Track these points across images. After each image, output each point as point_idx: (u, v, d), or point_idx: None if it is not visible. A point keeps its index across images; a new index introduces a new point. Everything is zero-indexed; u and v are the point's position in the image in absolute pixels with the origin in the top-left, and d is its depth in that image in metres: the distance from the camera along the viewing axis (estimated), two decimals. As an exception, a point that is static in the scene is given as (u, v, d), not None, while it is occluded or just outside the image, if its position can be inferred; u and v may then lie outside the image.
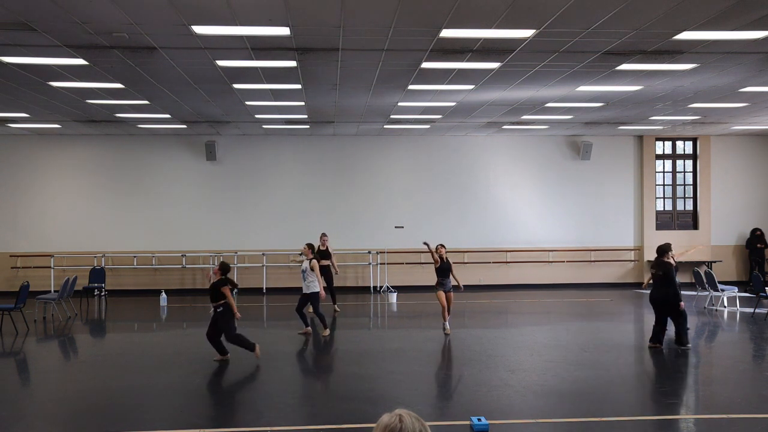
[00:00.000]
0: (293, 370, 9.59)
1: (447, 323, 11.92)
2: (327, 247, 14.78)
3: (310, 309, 12.24)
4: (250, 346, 9.98)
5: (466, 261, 19.11)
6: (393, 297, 16.88)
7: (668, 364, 10.31)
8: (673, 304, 10.46)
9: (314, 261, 11.96)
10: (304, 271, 12.04)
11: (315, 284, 11.90)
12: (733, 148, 19.75)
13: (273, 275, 18.59)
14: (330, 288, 14.87)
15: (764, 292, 13.78)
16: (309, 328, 12.16)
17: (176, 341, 11.91)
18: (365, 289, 18.62)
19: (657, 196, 19.80)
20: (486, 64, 10.26)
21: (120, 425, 7.27)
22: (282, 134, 18.62)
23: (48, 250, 18.27)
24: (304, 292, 12.04)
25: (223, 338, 10.00)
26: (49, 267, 17.99)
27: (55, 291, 16.58)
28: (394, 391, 8.69)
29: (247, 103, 13.55)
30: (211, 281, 10.23)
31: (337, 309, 14.84)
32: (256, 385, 9.18)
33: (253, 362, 10.53)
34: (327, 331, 12.04)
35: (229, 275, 10.10)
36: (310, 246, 12.25)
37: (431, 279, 18.35)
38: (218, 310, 9.94)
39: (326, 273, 14.69)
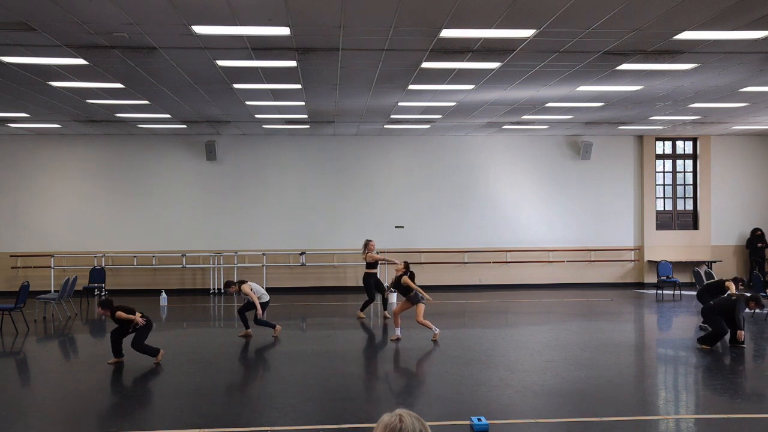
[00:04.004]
0: (293, 370, 9.59)
1: (397, 329, 11.71)
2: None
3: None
4: (154, 353, 9.95)
5: (466, 261, 19.12)
6: (393, 297, 16.88)
7: (668, 364, 10.32)
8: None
9: (244, 286, 11.89)
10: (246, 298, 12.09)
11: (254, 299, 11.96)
12: (733, 148, 19.75)
13: (273, 275, 18.58)
14: (381, 290, 14.55)
15: (764, 292, 13.79)
16: (250, 330, 12.12)
17: (176, 341, 11.91)
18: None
19: (657, 196, 19.80)
20: (486, 64, 10.25)
21: (120, 425, 7.28)
22: (282, 134, 18.62)
23: (48, 250, 18.27)
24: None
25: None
26: (49, 267, 17.99)
27: (55, 291, 16.58)
28: (394, 391, 8.69)
29: (247, 103, 13.55)
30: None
31: (362, 316, 14.42)
32: (256, 385, 9.18)
33: (253, 363, 10.54)
34: (278, 328, 12.01)
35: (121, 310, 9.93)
36: (238, 283, 12.08)
37: (431, 279, 18.45)
38: (136, 326, 9.89)
39: (375, 279, 14.40)
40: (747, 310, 11.04)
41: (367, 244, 14.61)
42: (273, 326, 12.01)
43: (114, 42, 8.79)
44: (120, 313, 9.83)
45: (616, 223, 19.55)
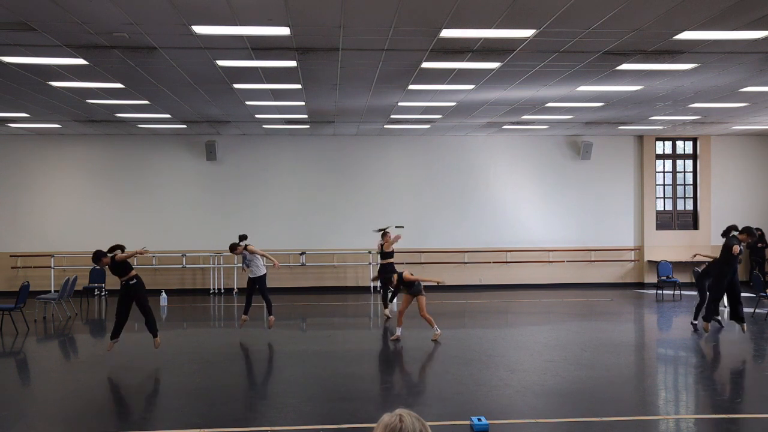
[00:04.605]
0: (293, 369, 9.59)
1: (398, 329, 11.65)
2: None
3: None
4: (154, 332, 9.97)
5: (466, 261, 19.12)
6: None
7: (668, 364, 10.32)
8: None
9: (250, 246, 11.91)
10: (245, 260, 12.01)
11: (259, 268, 11.95)
12: (733, 148, 19.75)
13: (273, 275, 18.55)
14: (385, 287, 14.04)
15: (764, 292, 13.78)
16: (246, 316, 12.17)
17: (176, 341, 11.91)
18: (365, 289, 18.62)
19: (657, 196, 19.80)
20: (486, 64, 10.25)
21: (120, 425, 7.28)
22: (282, 134, 18.62)
23: (48, 250, 18.27)
24: (250, 277, 12.04)
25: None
26: (49, 267, 17.99)
27: (55, 291, 16.58)
28: (394, 391, 8.70)
29: (247, 103, 13.55)
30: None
31: (389, 316, 13.71)
32: (256, 385, 9.18)
33: (253, 363, 10.54)
34: (272, 318, 12.03)
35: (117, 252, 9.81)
36: (241, 238, 12.09)
37: (431, 278, 18.39)
38: (132, 282, 9.82)
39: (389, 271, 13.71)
40: (741, 244, 11.02)
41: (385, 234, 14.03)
42: (271, 311, 12.05)
43: (114, 42, 8.79)
44: (119, 254, 9.78)
45: (616, 223, 19.55)
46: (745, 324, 10.93)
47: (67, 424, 7.43)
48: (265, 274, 12.11)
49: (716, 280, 10.96)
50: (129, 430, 7.05)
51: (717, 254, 19.29)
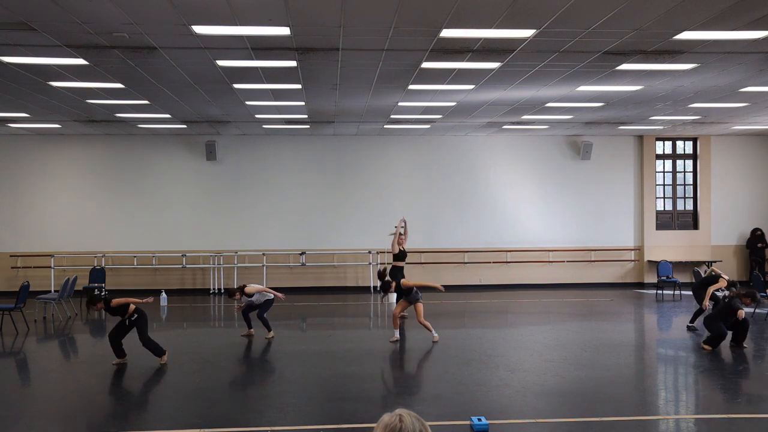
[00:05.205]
0: (293, 370, 9.60)
1: (396, 331, 11.53)
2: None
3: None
4: (159, 352, 9.88)
5: (466, 261, 19.12)
6: (393, 297, 16.87)
7: (668, 364, 10.32)
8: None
9: (247, 288, 11.67)
10: (252, 300, 11.83)
11: (266, 295, 11.82)
12: (733, 148, 19.75)
13: (273, 275, 18.58)
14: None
15: (764, 292, 13.78)
16: (252, 330, 11.96)
17: (176, 341, 11.91)
18: (365, 289, 18.62)
19: (657, 196, 19.79)
20: (486, 64, 10.26)
21: (120, 425, 7.28)
22: (282, 134, 18.63)
23: (48, 250, 18.27)
24: (257, 302, 11.83)
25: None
26: (49, 267, 17.99)
27: (55, 291, 16.59)
28: (394, 391, 8.70)
29: (247, 103, 13.55)
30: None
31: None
32: (256, 385, 9.18)
33: (253, 363, 10.54)
34: (271, 334, 11.73)
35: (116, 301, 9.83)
36: (240, 290, 11.80)
37: (432, 279, 18.37)
38: (132, 319, 9.81)
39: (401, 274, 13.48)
40: (744, 307, 11.01)
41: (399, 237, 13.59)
42: (269, 328, 11.89)
43: (114, 42, 8.79)
44: (115, 300, 9.75)
45: (616, 223, 19.54)
46: (744, 346, 10.87)
47: (67, 424, 7.43)
48: (273, 300, 11.85)
49: (716, 325, 10.83)
50: (129, 430, 7.05)
51: (717, 256, 19.35)
